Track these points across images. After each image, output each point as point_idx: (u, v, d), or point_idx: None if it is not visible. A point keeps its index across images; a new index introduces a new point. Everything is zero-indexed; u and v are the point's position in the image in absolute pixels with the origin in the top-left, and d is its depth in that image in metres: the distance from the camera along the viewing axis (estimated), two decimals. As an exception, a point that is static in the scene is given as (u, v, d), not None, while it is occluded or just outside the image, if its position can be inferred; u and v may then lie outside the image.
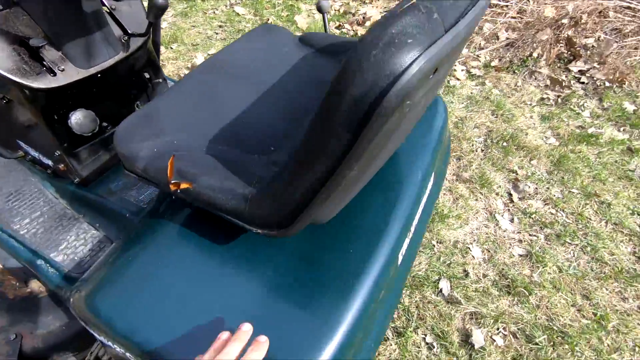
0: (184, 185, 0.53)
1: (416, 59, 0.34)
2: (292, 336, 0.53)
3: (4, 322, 1.04)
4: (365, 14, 2.76)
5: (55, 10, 0.80)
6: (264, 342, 0.48)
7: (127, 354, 0.57)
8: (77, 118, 0.94)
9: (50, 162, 1.10)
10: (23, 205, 1.08)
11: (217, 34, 2.62)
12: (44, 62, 0.84)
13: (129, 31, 0.97)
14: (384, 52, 0.34)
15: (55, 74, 0.85)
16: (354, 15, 2.78)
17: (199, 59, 2.29)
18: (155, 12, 0.79)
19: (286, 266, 0.60)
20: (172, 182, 0.54)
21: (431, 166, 0.83)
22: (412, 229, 0.74)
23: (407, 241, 0.72)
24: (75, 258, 0.98)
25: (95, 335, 0.62)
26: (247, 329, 0.49)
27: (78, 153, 1.01)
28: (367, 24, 2.72)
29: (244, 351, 0.47)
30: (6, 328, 1.02)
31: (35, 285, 1.14)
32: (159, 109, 0.67)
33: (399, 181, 0.74)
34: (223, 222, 0.69)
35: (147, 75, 1.10)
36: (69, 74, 0.87)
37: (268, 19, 2.69)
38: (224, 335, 0.49)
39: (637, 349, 1.27)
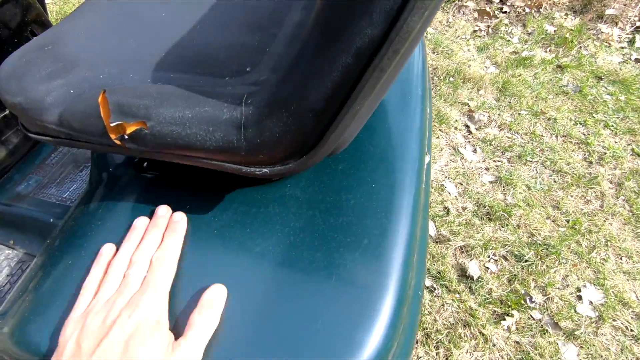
0: (132, 127, 0.34)
1: None
2: (347, 304, 0.39)
3: None
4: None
5: None
6: (179, 220, 0.45)
7: None
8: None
9: None
10: None
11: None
12: None
13: None
14: None
15: None
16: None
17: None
18: None
19: (300, 223, 0.45)
20: (112, 124, 0.34)
21: (425, 90, 0.71)
22: (426, 154, 0.63)
23: (425, 162, 0.60)
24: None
25: None
26: (163, 212, 0.46)
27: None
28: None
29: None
30: None
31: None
32: (62, 37, 0.45)
33: (406, 105, 0.61)
34: (193, 183, 0.50)
35: (32, 31, 0.82)
36: None
37: None
38: (139, 222, 0.45)
39: (609, 243, 1.35)
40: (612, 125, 1.76)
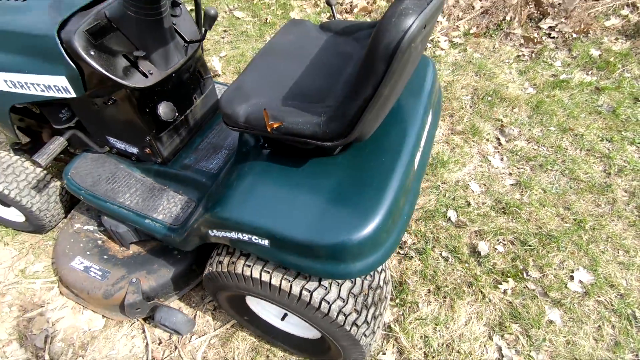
0: (276, 124, 0.84)
1: (415, 20, 0.66)
2: (361, 202, 0.86)
3: (124, 271, 1.37)
4: (352, 2, 3.05)
5: (145, 30, 1.11)
6: None
7: (255, 239, 0.89)
8: (163, 108, 1.26)
9: (135, 150, 1.41)
10: (120, 185, 1.40)
11: (223, 37, 2.92)
12: (139, 69, 1.15)
13: (187, 39, 1.28)
14: (399, 19, 0.65)
15: (147, 77, 1.16)
16: (342, 5, 3.07)
17: (214, 61, 2.59)
18: (210, 21, 1.10)
19: (341, 173, 0.93)
20: (269, 123, 0.85)
21: (428, 103, 1.14)
22: (421, 146, 1.06)
23: (418, 154, 1.03)
24: (172, 215, 1.30)
25: (226, 234, 0.94)
26: None
27: (162, 137, 1.33)
28: (355, 11, 3.01)
29: None
30: (127, 276, 1.35)
31: (134, 248, 1.47)
32: (244, 82, 0.98)
33: (408, 113, 1.05)
34: (289, 151, 1.01)
35: (199, 73, 1.42)
36: (155, 75, 1.19)
37: (266, 19, 2.99)
38: None
39: (609, 239, 1.60)
40: (638, 143, 1.95)
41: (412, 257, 1.60)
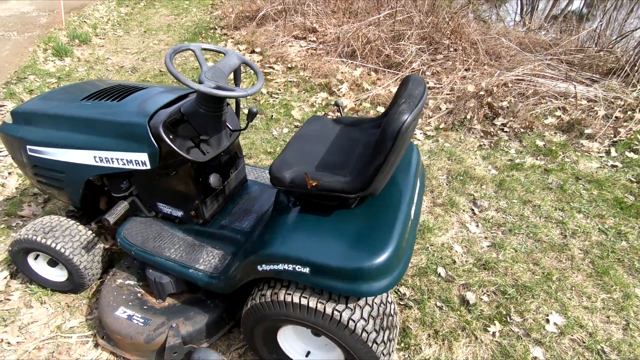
0: (314, 183, 1.19)
1: (409, 116, 1.09)
2: (376, 238, 1.17)
3: (163, 318, 1.55)
4: (342, 103, 3.73)
5: (208, 122, 1.52)
6: None
7: (298, 268, 1.15)
8: (213, 178, 1.62)
9: (180, 214, 1.72)
10: (165, 242, 1.66)
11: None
12: (200, 148, 1.54)
13: (231, 128, 1.71)
14: (399, 115, 1.08)
15: (205, 154, 1.54)
16: (334, 106, 3.73)
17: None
18: (251, 117, 1.54)
19: (358, 220, 1.25)
20: (310, 182, 1.20)
21: (416, 174, 1.54)
22: (414, 202, 1.42)
23: (413, 208, 1.39)
24: (212, 266, 1.55)
25: (273, 267, 1.21)
26: None
27: (207, 201, 1.65)
28: (345, 110, 3.65)
29: None
30: (166, 322, 1.53)
31: (169, 300, 1.66)
32: (286, 157, 1.36)
33: (401, 181, 1.44)
34: (316, 206, 1.34)
35: (235, 154, 1.82)
36: (210, 153, 1.57)
37: (272, 116, 3.58)
38: None
39: (573, 288, 1.91)
40: (585, 211, 2.40)
41: (411, 307, 1.83)
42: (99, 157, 1.54)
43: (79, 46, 5.43)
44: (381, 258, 1.14)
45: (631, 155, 2.88)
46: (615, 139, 3.05)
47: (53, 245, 1.66)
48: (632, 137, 3.01)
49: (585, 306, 1.82)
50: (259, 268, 1.26)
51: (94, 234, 1.82)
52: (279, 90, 4.06)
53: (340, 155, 1.40)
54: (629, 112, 3.24)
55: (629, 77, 3.56)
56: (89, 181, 1.74)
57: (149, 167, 1.49)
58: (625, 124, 3.14)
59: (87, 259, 1.75)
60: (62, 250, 1.66)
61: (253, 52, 4.94)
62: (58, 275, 1.84)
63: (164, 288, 1.60)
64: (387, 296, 1.34)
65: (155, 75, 4.55)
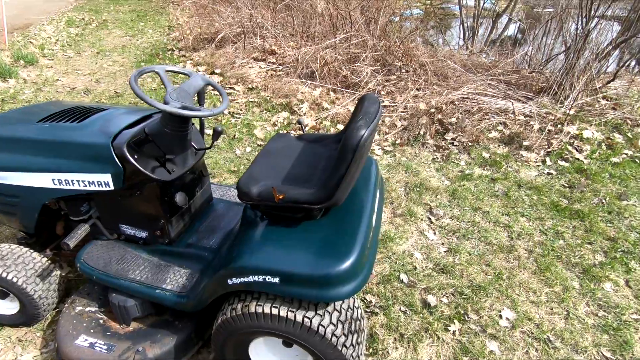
0: (282, 196, 1.25)
1: (366, 131, 1.19)
2: (342, 245, 1.24)
3: (129, 343, 1.50)
4: (303, 122, 3.84)
5: (173, 141, 1.55)
6: None
7: (268, 278, 1.19)
8: (179, 197, 1.63)
9: (144, 234, 1.70)
10: (129, 265, 1.62)
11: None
12: (166, 167, 1.55)
13: (196, 147, 1.74)
14: (357, 130, 1.18)
15: (170, 173, 1.56)
16: (296, 124, 3.84)
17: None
18: (217, 136, 1.59)
19: (324, 229, 1.33)
20: (277, 195, 1.26)
21: (376, 186, 1.65)
22: (375, 210, 1.51)
23: (374, 216, 1.48)
24: (179, 285, 1.54)
25: (244, 279, 1.23)
26: None
27: (172, 220, 1.65)
28: (306, 129, 3.77)
29: None
30: (132, 347, 1.49)
31: (134, 324, 1.62)
32: (253, 172, 1.41)
33: (363, 192, 1.54)
34: (283, 219, 1.40)
35: (201, 172, 1.84)
36: (176, 172, 1.58)
37: (234, 135, 3.60)
38: None
39: (521, 285, 2.09)
40: (527, 215, 2.64)
41: (377, 313, 1.91)
42: (58, 180, 1.50)
43: (25, 67, 5.17)
44: (347, 263, 1.21)
45: (563, 163, 3.22)
46: (549, 150, 3.40)
47: (4, 275, 1.57)
48: (562, 147, 3.38)
49: (532, 300, 2.00)
50: (230, 282, 1.28)
51: (49, 261, 1.74)
52: (241, 110, 4.11)
53: (305, 169, 1.48)
54: (559, 126, 3.63)
55: (557, 95, 4.01)
56: (44, 206, 1.67)
57: (112, 187, 1.48)
58: (556, 136, 3.52)
59: (42, 288, 1.66)
60: (15, 279, 1.58)
61: (213, 73, 4.98)
62: (8, 307, 1.72)
63: (129, 312, 1.56)
64: (354, 301, 1.41)
65: (111, 97, 4.44)
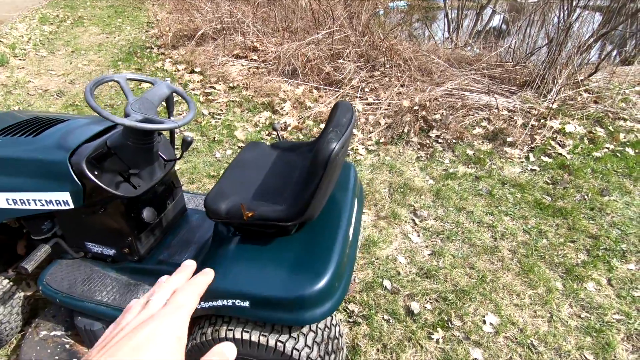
0: (250, 214, 1.18)
1: (337, 144, 1.13)
2: (315, 264, 1.18)
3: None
4: (285, 122, 3.76)
5: (138, 154, 1.46)
6: (209, 271, 0.46)
7: (237, 302, 1.12)
8: (147, 212, 1.54)
9: (112, 252, 1.61)
10: (96, 285, 1.54)
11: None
12: (131, 182, 1.46)
13: (165, 157, 1.65)
14: (327, 143, 1.11)
15: (136, 188, 1.47)
16: (278, 123, 3.75)
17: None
18: (186, 146, 1.50)
19: (298, 246, 1.26)
20: (246, 213, 1.19)
21: (353, 193, 1.59)
22: (352, 224, 1.46)
23: (351, 229, 1.43)
24: (149, 305, 1.46)
25: (212, 303, 1.17)
26: (189, 264, 0.47)
27: (141, 237, 1.57)
28: (289, 129, 3.69)
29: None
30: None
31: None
32: (222, 187, 1.33)
33: (339, 201, 1.48)
34: (255, 235, 1.33)
35: (172, 184, 1.75)
36: (142, 187, 1.49)
37: (214, 137, 3.50)
38: (164, 278, 0.46)
39: (505, 287, 2.06)
40: (511, 214, 2.62)
41: (360, 323, 1.87)
42: (13, 200, 1.40)
43: (-6, 69, 4.95)
44: (321, 283, 1.15)
45: (546, 159, 3.21)
46: (532, 145, 3.39)
47: (-40, 300, 1.47)
48: (545, 142, 3.37)
49: (515, 303, 1.98)
50: (198, 306, 1.21)
51: (10, 282, 1.64)
52: (221, 110, 4.00)
53: (278, 181, 1.42)
54: (542, 120, 3.62)
55: (540, 89, 4.00)
56: (3, 224, 1.57)
57: (72, 206, 1.38)
58: (539, 131, 3.51)
59: (3, 312, 1.57)
60: (-28, 305, 1.48)
61: (193, 71, 4.84)
62: (-32, 333, 1.63)
63: (96, 336, 1.48)
64: (332, 319, 1.36)
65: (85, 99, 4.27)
